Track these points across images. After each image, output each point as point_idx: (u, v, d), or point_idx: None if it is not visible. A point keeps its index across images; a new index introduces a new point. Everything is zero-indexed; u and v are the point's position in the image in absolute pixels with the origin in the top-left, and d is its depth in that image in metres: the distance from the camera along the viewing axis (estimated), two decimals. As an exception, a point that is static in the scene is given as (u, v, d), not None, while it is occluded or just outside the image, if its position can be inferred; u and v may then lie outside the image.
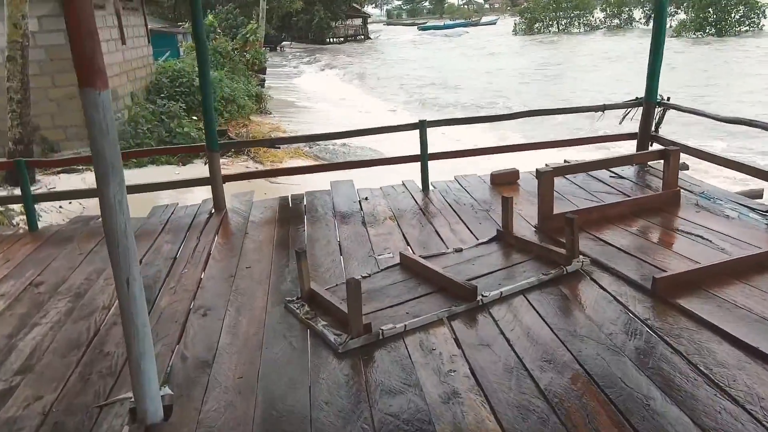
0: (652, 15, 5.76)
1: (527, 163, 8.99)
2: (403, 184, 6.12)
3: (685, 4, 49.97)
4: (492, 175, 5.92)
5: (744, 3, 43.50)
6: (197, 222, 5.47)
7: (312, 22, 56.82)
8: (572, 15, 61.16)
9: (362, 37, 65.87)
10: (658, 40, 5.73)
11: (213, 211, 5.73)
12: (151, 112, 11.96)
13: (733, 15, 43.95)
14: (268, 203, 5.87)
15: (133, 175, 9.85)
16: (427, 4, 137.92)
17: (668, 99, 5.94)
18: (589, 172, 5.72)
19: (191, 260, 4.55)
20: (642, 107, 6.02)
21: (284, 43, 55.60)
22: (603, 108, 6.07)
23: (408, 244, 4.61)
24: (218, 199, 5.70)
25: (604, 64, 29.59)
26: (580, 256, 3.89)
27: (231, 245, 4.84)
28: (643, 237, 4.33)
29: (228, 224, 5.40)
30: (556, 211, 4.61)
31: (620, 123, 6.09)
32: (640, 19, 57.14)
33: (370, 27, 74.97)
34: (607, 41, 44.78)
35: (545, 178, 4.45)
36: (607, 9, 59.39)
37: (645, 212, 4.73)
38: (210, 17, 21.24)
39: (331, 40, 61.16)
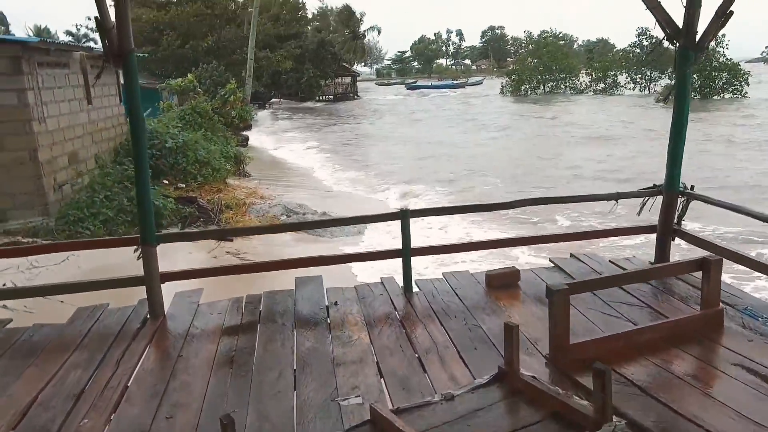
0: (673, 92, 4.98)
1: (527, 254, 8.05)
2: (382, 282, 5.13)
3: (669, 70, 50.92)
4: (488, 276, 4.95)
5: (727, 69, 44.31)
6: (125, 333, 4.41)
7: (302, 80, 57.13)
8: (559, 78, 62.19)
9: (351, 95, 66.37)
10: (680, 122, 4.93)
11: (148, 316, 4.69)
12: (113, 178, 11.01)
13: (716, 81, 44.68)
14: (218, 307, 4.83)
15: (80, 252, 8.80)
16: (416, 64, 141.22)
17: (692, 188, 5.09)
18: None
19: (99, 400, 3.47)
20: (662, 197, 5.16)
21: (273, 100, 55.65)
22: (617, 196, 5.20)
23: (382, 378, 3.59)
24: (155, 303, 4.67)
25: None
26: (613, 417, 2.88)
27: (157, 373, 3.78)
28: (687, 382, 3.33)
29: (163, 338, 4.35)
30: (571, 334, 3.63)
31: (638, 214, 5.21)
32: (626, 83, 58.11)
33: (359, 85, 75.88)
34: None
35: (559, 298, 3.48)
36: (593, 73, 60.43)
37: (682, 339, 3.76)
38: (190, 76, 20.65)
39: (321, 97, 61.45)
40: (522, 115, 39.54)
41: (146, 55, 31.78)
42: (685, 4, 4.72)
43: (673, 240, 5.21)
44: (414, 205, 14.14)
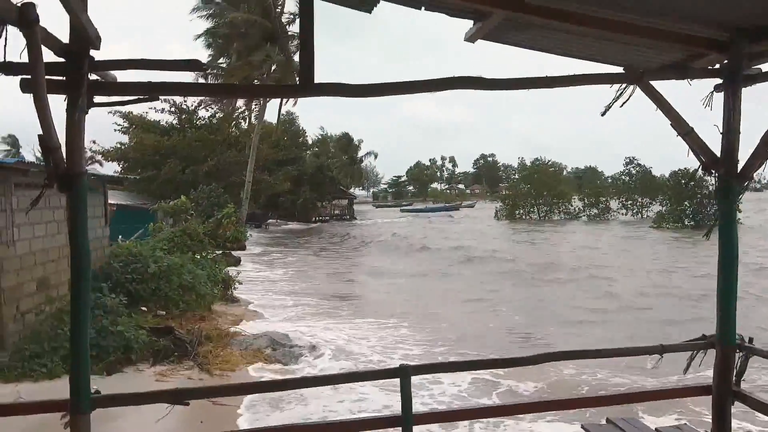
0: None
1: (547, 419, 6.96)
2: (374, 462, 4.08)
3: (659, 197, 51.85)
4: (510, 452, 3.95)
5: (719, 197, 44.92)
6: None
7: (298, 201, 57.87)
8: (552, 203, 63.27)
9: (347, 216, 67.04)
10: (729, 263, 4.18)
11: (73, 506, 3.60)
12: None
13: (708, 208, 45.19)
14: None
15: (32, 391, 7.83)
16: (411, 187, 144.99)
17: (750, 340, 4.24)
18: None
19: None
20: (714, 350, 4.29)
21: (270, 220, 55.92)
22: (662, 350, 4.32)
23: None
24: (82, 489, 3.60)
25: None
26: None
27: None
28: None
29: None
30: None
31: (684, 372, 4.32)
32: (619, 209, 59.19)
33: (357, 207, 77.05)
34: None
35: None
36: (585, 199, 61.61)
37: None
38: (183, 198, 20.35)
39: (317, 218, 61.90)
40: (518, 242, 38.97)
41: (137, 177, 32.09)
42: (722, 130, 4.17)
43: (733, 404, 4.27)
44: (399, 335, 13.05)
